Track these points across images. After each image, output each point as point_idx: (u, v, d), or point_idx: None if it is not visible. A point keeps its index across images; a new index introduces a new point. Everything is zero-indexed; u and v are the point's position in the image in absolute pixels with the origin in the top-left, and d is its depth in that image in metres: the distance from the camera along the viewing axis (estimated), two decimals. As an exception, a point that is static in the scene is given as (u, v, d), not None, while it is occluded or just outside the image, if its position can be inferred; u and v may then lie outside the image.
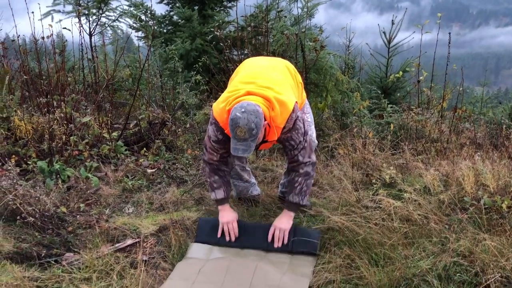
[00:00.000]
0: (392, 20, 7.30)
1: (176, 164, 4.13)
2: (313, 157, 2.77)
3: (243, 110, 2.37)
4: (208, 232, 2.81)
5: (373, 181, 3.40)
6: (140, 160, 4.11)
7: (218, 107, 2.61)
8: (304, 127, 2.69)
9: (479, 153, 3.64)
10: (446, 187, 3.12)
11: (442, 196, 2.94)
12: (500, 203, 2.66)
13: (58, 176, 3.50)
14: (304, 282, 2.35)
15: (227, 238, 2.77)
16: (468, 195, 2.90)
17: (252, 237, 2.77)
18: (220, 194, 2.80)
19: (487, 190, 2.89)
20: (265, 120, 2.45)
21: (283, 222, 2.73)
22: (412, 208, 2.79)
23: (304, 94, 3.10)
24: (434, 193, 3.05)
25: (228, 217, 2.80)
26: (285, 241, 2.70)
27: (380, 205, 2.92)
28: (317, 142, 3.20)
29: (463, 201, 2.85)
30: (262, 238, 2.74)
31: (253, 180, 3.34)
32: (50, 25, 4.23)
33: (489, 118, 5.62)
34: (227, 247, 2.74)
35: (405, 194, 2.99)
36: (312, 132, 3.09)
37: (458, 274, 2.19)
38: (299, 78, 3.00)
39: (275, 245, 2.70)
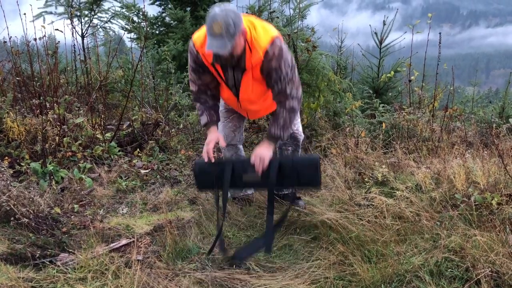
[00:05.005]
0: (384, 21, 7.36)
1: (170, 165, 4.14)
2: (300, 92, 2.74)
3: (222, 8, 2.37)
4: (206, 181, 2.82)
5: (366, 179, 3.43)
6: (134, 161, 4.11)
7: (198, 31, 2.69)
8: (292, 61, 2.65)
9: (469, 151, 3.69)
10: (438, 184, 3.16)
11: (434, 194, 2.97)
12: (490, 199, 2.70)
13: (52, 177, 3.50)
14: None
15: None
16: (459, 192, 2.94)
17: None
18: (203, 119, 2.83)
19: (477, 187, 2.93)
20: (244, 39, 2.48)
21: (262, 151, 2.67)
22: (404, 205, 2.83)
23: None
24: (425, 190, 3.09)
25: (208, 139, 2.76)
26: (265, 167, 2.65)
27: (373, 203, 2.96)
28: (303, 135, 3.23)
29: (454, 198, 2.89)
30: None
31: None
32: (43, 26, 4.23)
33: (480, 117, 5.69)
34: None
35: (397, 192, 3.03)
36: (299, 126, 3.15)
37: (449, 270, 2.23)
38: None
39: (258, 172, 2.67)
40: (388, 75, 6.12)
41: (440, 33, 5.03)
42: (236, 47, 2.45)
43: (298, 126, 3.13)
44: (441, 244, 2.39)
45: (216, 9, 2.35)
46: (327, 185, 3.53)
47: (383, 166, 3.52)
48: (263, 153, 2.66)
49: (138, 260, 2.51)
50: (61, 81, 5.20)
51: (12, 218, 2.79)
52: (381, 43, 7.49)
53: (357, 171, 3.73)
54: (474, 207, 2.69)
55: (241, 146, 3.29)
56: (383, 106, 5.20)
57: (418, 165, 3.65)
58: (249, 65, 2.60)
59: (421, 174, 3.28)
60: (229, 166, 2.72)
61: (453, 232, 2.51)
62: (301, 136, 3.17)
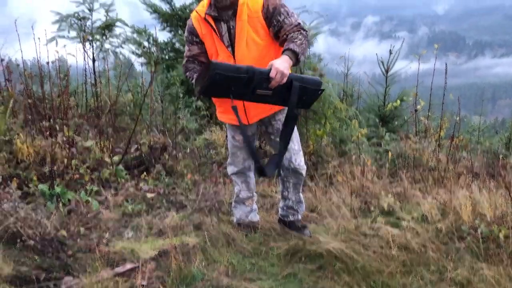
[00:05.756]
0: (390, 50, 7.44)
1: (176, 189, 4.16)
2: None
3: None
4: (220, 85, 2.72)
5: (372, 208, 3.43)
6: (140, 185, 4.13)
7: None
8: None
9: (476, 183, 3.68)
10: (444, 215, 3.15)
11: (440, 225, 2.97)
12: (497, 232, 2.69)
13: (59, 199, 3.52)
14: None
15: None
16: (466, 224, 2.93)
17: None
18: (194, 77, 2.93)
19: (484, 219, 2.92)
20: None
21: (283, 64, 2.60)
22: (410, 236, 2.82)
23: None
24: (431, 221, 3.09)
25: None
26: (281, 83, 2.62)
27: (379, 233, 2.95)
28: (305, 166, 3.23)
29: (460, 230, 2.88)
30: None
31: (255, 206, 3.37)
32: (57, 51, 4.33)
33: (486, 148, 5.70)
34: None
35: (403, 222, 3.03)
36: (301, 159, 3.16)
37: (456, 303, 2.21)
38: None
39: (272, 86, 2.64)
40: (394, 104, 6.15)
41: (446, 63, 5.09)
42: None
43: (300, 160, 3.14)
44: (447, 277, 2.38)
45: None
46: (333, 213, 3.52)
47: (389, 196, 3.52)
48: (284, 69, 2.59)
49: (143, 285, 2.51)
50: (71, 103, 5.28)
51: (18, 240, 2.80)
52: (387, 71, 7.55)
53: (363, 199, 3.73)
54: (481, 239, 2.68)
55: (251, 174, 3.32)
56: (389, 135, 5.22)
57: (424, 195, 3.65)
58: (241, 5, 2.75)
59: (427, 204, 3.28)
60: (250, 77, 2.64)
61: (459, 264, 2.50)
62: (304, 170, 3.18)
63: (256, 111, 2.97)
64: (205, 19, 2.84)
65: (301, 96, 2.73)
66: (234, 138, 3.18)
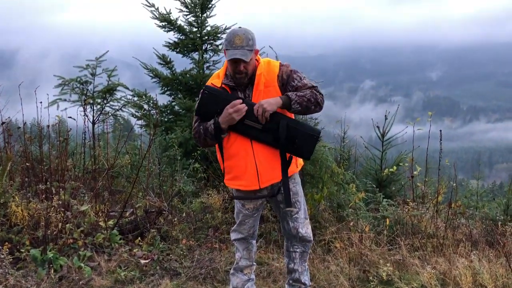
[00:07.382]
0: (386, 116, 7.57)
1: (170, 255, 4.07)
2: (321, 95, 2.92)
3: (242, 28, 2.81)
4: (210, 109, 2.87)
5: (370, 278, 3.35)
6: (134, 250, 4.06)
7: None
8: None
9: (475, 252, 3.62)
10: (444, 286, 3.08)
11: (440, 296, 2.89)
12: (499, 305, 2.62)
13: (51, 265, 3.44)
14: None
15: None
16: (467, 296, 2.86)
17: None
18: (210, 123, 2.88)
19: (485, 291, 2.85)
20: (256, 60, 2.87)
21: (267, 100, 2.76)
22: (410, 308, 2.74)
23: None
24: (432, 292, 3.01)
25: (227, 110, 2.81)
26: (262, 117, 2.73)
27: (378, 305, 2.86)
28: (312, 234, 3.18)
29: (461, 302, 2.80)
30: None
31: (253, 276, 3.30)
32: (58, 116, 4.41)
33: (484, 214, 5.64)
34: None
35: (402, 293, 2.95)
36: (308, 228, 3.14)
37: None
38: None
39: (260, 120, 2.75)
40: (391, 169, 6.18)
41: (440, 130, 5.17)
42: (251, 61, 2.80)
43: (307, 228, 3.13)
44: None
45: (236, 28, 2.83)
46: (331, 282, 3.44)
47: (388, 264, 3.46)
48: (265, 104, 2.75)
49: None
50: (68, 165, 5.28)
51: (5, 309, 2.72)
52: (383, 136, 7.64)
53: (361, 268, 3.65)
54: (482, 313, 2.60)
55: (254, 242, 3.27)
56: (386, 201, 5.19)
57: (423, 264, 3.58)
58: (259, 76, 2.85)
59: (426, 274, 3.21)
60: None
61: None
62: (311, 239, 3.17)
63: (269, 176, 2.95)
64: (221, 88, 2.93)
65: (292, 138, 2.82)
66: (244, 206, 3.13)
